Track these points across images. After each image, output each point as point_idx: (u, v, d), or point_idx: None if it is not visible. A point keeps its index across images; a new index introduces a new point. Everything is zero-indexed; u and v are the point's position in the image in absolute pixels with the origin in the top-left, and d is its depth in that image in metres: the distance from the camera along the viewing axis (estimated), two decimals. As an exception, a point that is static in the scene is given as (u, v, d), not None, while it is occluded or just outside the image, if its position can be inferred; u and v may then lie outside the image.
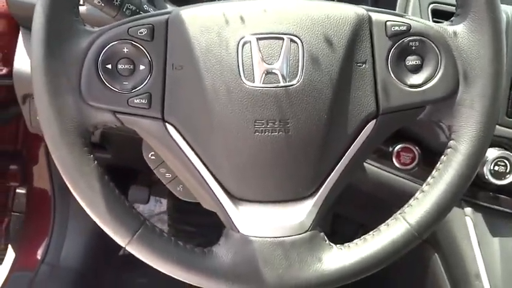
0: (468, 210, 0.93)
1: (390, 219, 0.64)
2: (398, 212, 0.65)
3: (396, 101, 0.63)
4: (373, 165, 0.96)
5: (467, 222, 0.93)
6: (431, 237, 0.98)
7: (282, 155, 0.61)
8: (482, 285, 0.89)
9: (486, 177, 0.88)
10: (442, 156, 0.64)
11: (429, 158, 0.96)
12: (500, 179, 0.88)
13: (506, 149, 0.89)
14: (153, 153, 0.67)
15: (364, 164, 0.97)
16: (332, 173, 0.63)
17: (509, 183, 0.88)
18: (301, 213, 0.63)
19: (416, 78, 0.64)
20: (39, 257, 1.30)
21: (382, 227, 0.64)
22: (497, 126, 0.88)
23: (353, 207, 1.11)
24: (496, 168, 0.88)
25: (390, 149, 0.95)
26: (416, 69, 0.64)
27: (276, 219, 0.62)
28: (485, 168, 0.88)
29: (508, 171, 0.88)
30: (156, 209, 1.63)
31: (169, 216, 1.59)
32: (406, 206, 0.65)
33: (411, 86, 0.63)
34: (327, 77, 0.61)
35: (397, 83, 0.63)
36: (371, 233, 0.64)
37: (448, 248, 0.95)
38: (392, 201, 0.99)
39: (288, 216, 0.62)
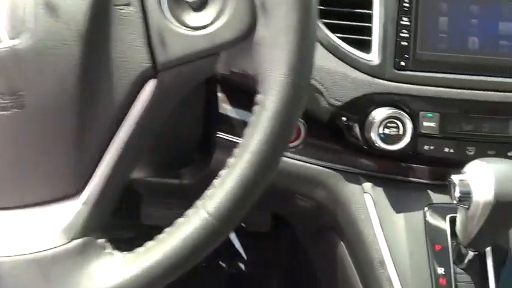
0: (367, 185, 0.78)
1: (191, 207, 0.50)
2: (201, 197, 0.50)
3: (177, 50, 0.47)
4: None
5: (367, 200, 0.78)
6: (334, 222, 0.83)
7: (20, 140, 0.46)
8: (387, 274, 0.73)
9: (376, 143, 0.73)
10: (250, 117, 0.49)
11: (317, 129, 0.81)
12: (393, 143, 0.73)
13: (397, 108, 0.74)
14: None
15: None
16: (105, 159, 0.48)
17: (406, 147, 0.73)
18: (65, 217, 0.48)
19: (201, 18, 0.49)
20: None
21: (180, 220, 0.49)
22: (384, 81, 0.74)
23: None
24: (387, 131, 0.73)
25: (271, 125, 0.81)
26: (200, 6, 0.49)
27: (28, 229, 0.47)
28: (373, 133, 0.72)
29: (401, 133, 0.73)
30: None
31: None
32: (208, 188, 0.50)
33: (195, 29, 0.48)
34: (72, 28, 0.46)
35: (176, 27, 0.48)
36: (167, 229, 0.50)
37: (350, 233, 0.80)
38: (291, 186, 0.85)
39: (45, 223, 0.47)
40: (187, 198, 1.08)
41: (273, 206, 1.00)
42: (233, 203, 0.46)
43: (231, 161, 0.48)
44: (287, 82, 0.45)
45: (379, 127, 0.72)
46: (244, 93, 0.83)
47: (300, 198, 0.86)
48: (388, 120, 0.72)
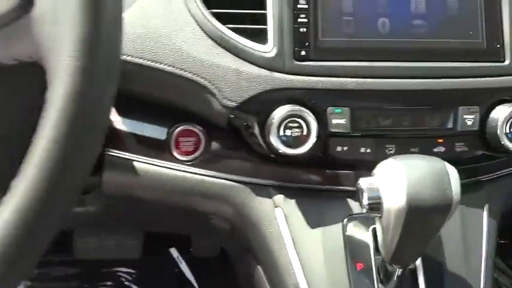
0: (278, 198, 0.67)
1: None
2: None
3: None
4: (150, 163, 0.70)
5: (278, 216, 0.66)
6: (247, 243, 0.72)
7: None
8: (303, 302, 0.63)
9: (279, 149, 0.62)
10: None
11: (218, 136, 0.71)
12: (297, 146, 0.62)
13: (302, 105, 0.63)
14: None
15: (136, 163, 0.72)
16: None
17: (313, 150, 0.61)
18: None
19: None
20: None
21: None
22: (283, 75, 0.63)
23: (171, 227, 0.85)
24: (289, 132, 0.63)
25: (165, 137, 0.70)
26: None
27: None
28: (272, 136, 0.61)
29: (305, 134, 0.63)
30: None
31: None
32: None
33: None
34: None
35: None
36: None
37: (263, 256, 0.68)
38: (195, 205, 0.73)
39: None
40: (103, 225, 0.96)
41: (187, 228, 0.89)
42: (10, 242, 0.35)
43: (14, 182, 0.36)
44: (76, 66, 0.34)
45: (278, 129, 0.61)
46: (136, 99, 0.73)
47: (213, 218, 0.75)
48: (289, 120, 0.62)
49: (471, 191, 0.68)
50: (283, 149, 0.61)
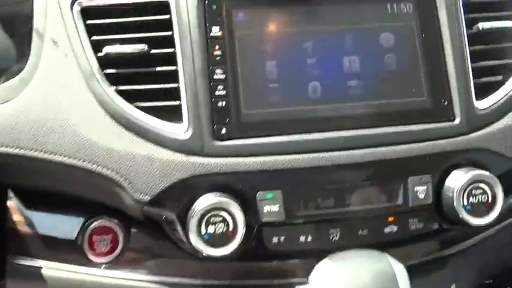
0: None
1: None
2: None
3: None
4: (60, 270, 0.60)
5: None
6: None
7: None
8: None
9: (203, 252, 0.51)
10: None
11: (139, 231, 0.61)
12: (223, 244, 0.52)
13: (225, 191, 0.53)
14: None
15: (44, 270, 0.61)
16: None
17: (244, 246, 0.51)
18: None
19: None
20: None
21: None
22: (202, 158, 0.53)
23: None
24: (212, 229, 0.53)
25: (75, 236, 0.60)
26: None
27: None
28: (192, 235, 0.51)
29: (231, 229, 0.53)
30: None
31: None
32: None
33: None
34: None
35: None
36: None
37: None
38: None
39: None
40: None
41: None
42: None
43: None
44: None
45: (199, 226, 0.52)
46: (42, 194, 0.63)
47: None
48: (212, 214, 0.52)
49: (434, 270, 0.59)
50: (205, 250, 0.51)
